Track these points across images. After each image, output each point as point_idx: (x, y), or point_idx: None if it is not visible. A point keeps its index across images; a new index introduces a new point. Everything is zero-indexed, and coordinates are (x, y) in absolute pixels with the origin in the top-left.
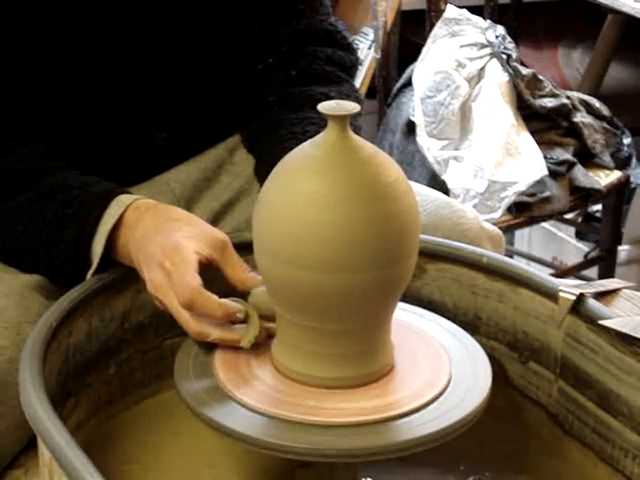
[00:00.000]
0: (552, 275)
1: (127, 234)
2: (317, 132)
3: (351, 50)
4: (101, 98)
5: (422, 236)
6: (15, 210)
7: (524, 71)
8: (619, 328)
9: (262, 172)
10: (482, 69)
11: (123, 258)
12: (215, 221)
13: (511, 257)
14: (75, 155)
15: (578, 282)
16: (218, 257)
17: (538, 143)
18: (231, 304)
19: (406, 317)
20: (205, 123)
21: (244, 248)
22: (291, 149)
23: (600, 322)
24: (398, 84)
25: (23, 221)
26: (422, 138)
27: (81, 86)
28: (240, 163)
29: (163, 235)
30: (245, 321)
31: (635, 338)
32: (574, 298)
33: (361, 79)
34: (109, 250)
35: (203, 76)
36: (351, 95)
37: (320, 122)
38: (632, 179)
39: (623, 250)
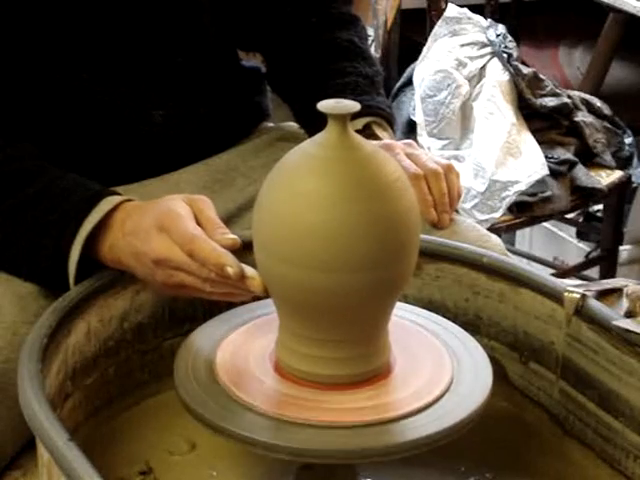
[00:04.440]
0: (553, 275)
1: (115, 233)
2: (357, 83)
3: None
4: (98, 76)
5: (422, 236)
6: None
7: (525, 70)
8: (633, 328)
9: (313, 123)
10: (483, 68)
11: (112, 259)
12: (229, 222)
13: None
14: (73, 145)
15: (579, 282)
16: (197, 214)
17: (539, 142)
18: (226, 255)
19: (406, 317)
20: (203, 103)
21: (244, 248)
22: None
23: (614, 323)
24: (398, 83)
25: (5, 228)
26: (423, 137)
27: (77, 65)
28: (257, 169)
29: (153, 210)
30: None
31: None
32: (579, 297)
33: None
34: (95, 256)
35: (201, 54)
36: (364, 40)
37: (355, 71)
38: (633, 179)
39: (624, 250)
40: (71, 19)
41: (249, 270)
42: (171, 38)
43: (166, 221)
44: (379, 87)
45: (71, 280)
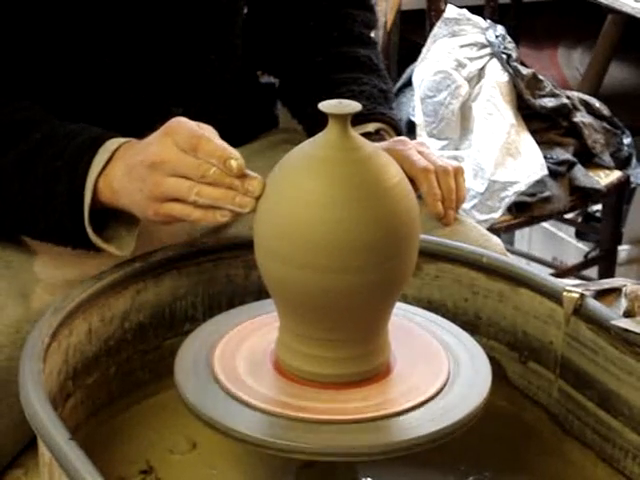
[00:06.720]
0: (552, 275)
1: (112, 163)
2: (371, 93)
3: (373, 11)
4: (119, 69)
5: (422, 236)
6: (7, 168)
7: (524, 71)
8: (632, 328)
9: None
10: (482, 69)
11: (105, 190)
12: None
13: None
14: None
15: (578, 282)
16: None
17: (538, 143)
18: (232, 150)
19: (406, 317)
20: (222, 109)
21: (244, 248)
22: None
23: (613, 322)
24: (398, 84)
25: (17, 179)
26: (422, 138)
27: (99, 57)
28: (261, 169)
29: (160, 129)
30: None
31: None
32: (578, 297)
33: None
34: (95, 195)
35: (231, 56)
36: (380, 61)
37: (371, 83)
38: (632, 179)
39: (623, 250)
40: (106, 8)
41: (251, 172)
42: (207, 34)
43: (171, 127)
44: (391, 104)
45: (87, 224)
